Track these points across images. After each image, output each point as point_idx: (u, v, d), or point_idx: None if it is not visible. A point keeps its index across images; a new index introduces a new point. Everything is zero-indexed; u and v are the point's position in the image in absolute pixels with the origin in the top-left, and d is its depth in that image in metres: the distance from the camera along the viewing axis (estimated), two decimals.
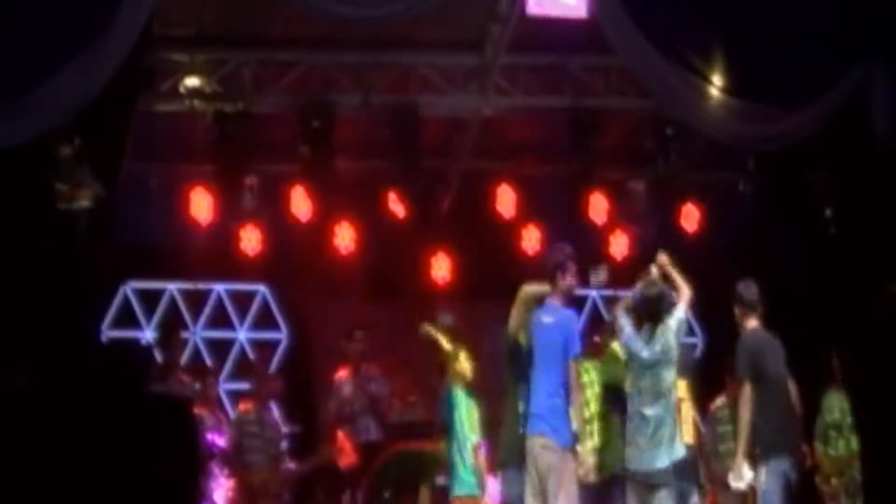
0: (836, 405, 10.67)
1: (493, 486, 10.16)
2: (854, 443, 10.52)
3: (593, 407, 9.74)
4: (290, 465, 10.92)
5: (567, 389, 8.45)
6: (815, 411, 10.66)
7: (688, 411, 9.16)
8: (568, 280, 8.67)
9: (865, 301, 9.85)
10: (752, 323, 8.81)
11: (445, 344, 9.70)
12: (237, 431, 10.53)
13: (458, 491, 9.61)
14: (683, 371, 9.23)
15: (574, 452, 8.48)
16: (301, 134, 11.38)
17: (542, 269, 8.83)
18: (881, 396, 9.72)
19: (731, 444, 10.01)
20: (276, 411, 11.98)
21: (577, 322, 8.79)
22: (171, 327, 11.84)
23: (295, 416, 12.67)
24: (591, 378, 9.87)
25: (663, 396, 8.65)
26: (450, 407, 9.65)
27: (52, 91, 8.31)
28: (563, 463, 8.32)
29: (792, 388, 8.96)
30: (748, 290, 8.89)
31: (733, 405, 10.37)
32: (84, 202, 9.31)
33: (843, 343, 10.31)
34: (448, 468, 9.77)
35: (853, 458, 10.54)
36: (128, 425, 6.99)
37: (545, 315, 8.60)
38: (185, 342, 12.57)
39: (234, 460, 10.43)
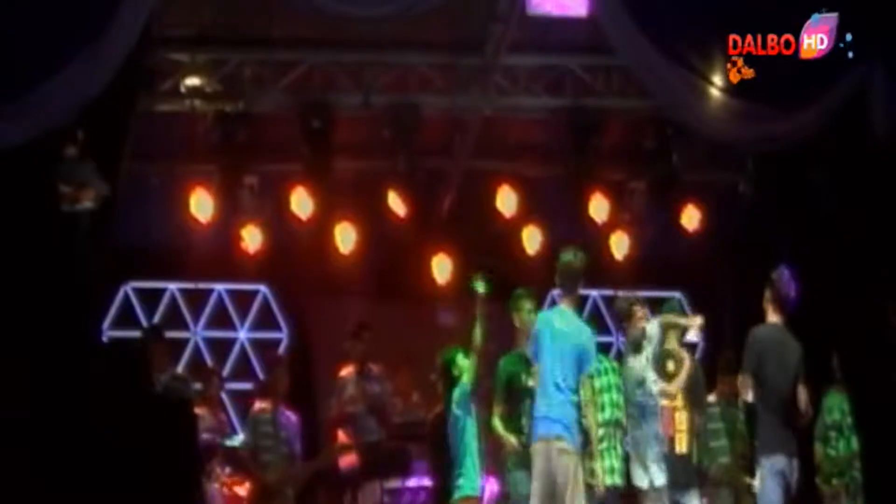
0: (836, 405, 10.65)
1: (493, 486, 10.17)
2: (854, 443, 10.51)
3: (608, 413, 9.74)
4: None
5: (579, 398, 8.42)
6: (816, 412, 10.65)
7: (682, 421, 9.16)
8: (581, 289, 8.67)
9: (865, 301, 9.85)
10: (775, 317, 8.61)
11: None
12: (252, 432, 10.52)
13: (462, 493, 9.55)
14: (682, 382, 9.24)
15: (581, 457, 8.43)
16: (301, 134, 11.39)
17: (555, 272, 8.75)
18: (881, 396, 9.72)
19: (723, 441, 10.05)
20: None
21: (595, 339, 8.69)
22: (147, 332, 11.80)
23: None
24: (610, 381, 9.85)
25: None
26: (465, 409, 9.58)
27: (52, 91, 8.31)
28: (577, 467, 8.30)
29: (801, 390, 8.81)
30: (781, 278, 8.58)
31: (724, 402, 10.41)
32: (88, 203, 9.30)
33: (843, 343, 10.31)
34: (452, 469, 9.70)
35: (854, 458, 10.53)
36: (127, 425, 7.01)
37: (559, 320, 8.49)
38: (180, 343, 12.54)
39: (250, 460, 10.42)
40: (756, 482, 8.60)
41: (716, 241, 12.75)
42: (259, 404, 10.71)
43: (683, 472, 9.15)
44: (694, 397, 9.18)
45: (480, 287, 8.95)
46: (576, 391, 8.36)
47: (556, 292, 8.93)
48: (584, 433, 8.67)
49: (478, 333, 8.92)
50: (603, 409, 9.67)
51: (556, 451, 8.20)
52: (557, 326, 8.42)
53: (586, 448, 8.64)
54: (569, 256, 8.60)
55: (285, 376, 10.85)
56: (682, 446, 9.11)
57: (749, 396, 8.42)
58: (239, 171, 11.64)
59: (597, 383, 9.61)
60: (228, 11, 10.79)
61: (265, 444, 10.43)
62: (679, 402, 9.11)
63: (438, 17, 10.18)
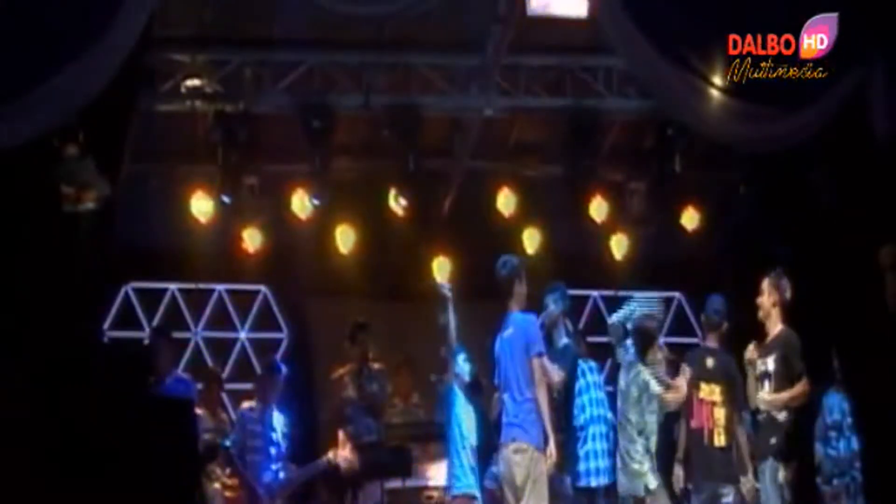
0: (836, 405, 10.67)
1: None
2: (854, 443, 10.53)
3: (588, 412, 9.76)
4: (292, 468, 10.86)
5: (534, 391, 8.44)
6: (816, 412, 10.66)
7: (720, 416, 9.15)
8: (524, 287, 8.74)
9: (865, 301, 9.85)
10: (781, 320, 8.72)
11: None
12: (241, 430, 10.50)
13: (456, 490, 9.62)
14: (720, 376, 9.20)
15: (545, 454, 8.44)
16: (301, 134, 11.39)
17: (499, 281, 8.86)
18: (881, 396, 9.72)
19: None
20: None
21: (536, 324, 8.81)
22: (157, 333, 11.80)
23: (295, 416, 12.65)
24: (588, 381, 9.88)
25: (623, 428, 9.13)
26: (449, 406, 9.66)
27: (52, 92, 8.30)
28: (534, 463, 8.35)
29: None
30: (784, 281, 8.78)
31: None
32: (90, 204, 9.31)
33: (843, 343, 10.31)
34: (447, 467, 9.76)
35: (854, 458, 10.55)
36: (127, 425, 7.00)
37: (504, 330, 8.68)
38: (182, 343, 12.54)
39: (239, 460, 10.41)
40: (765, 480, 8.60)
41: (716, 241, 12.75)
42: (247, 403, 10.72)
43: (721, 465, 9.12)
44: (733, 394, 9.13)
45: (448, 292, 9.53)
46: (529, 386, 8.40)
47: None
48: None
49: (452, 333, 9.48)
50: (583, 409, 9.71)
51: (512, 452, 8.36)
52: (504, 337, 8.61)
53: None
54: (497, 265, 8.90)
55: (279, 386, 10.85)
56: (720, 440, 9.10)
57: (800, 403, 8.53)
58: (239, 171, 11.63)
59: (576, 385, 9.66)
60: (228, 11, 10.79)
61: (254, 444, 10.42)
62: (718, 397, 9.11)
63: (438, 17, 10.19)
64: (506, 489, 8.44)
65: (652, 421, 9.36)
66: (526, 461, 8.31)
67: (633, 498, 9.29)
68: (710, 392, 9.19)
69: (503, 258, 8.95)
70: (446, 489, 9.73)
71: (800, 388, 8.66)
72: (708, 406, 9.19)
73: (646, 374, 9.28)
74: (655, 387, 9.25)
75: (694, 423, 9.16)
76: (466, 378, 9.84)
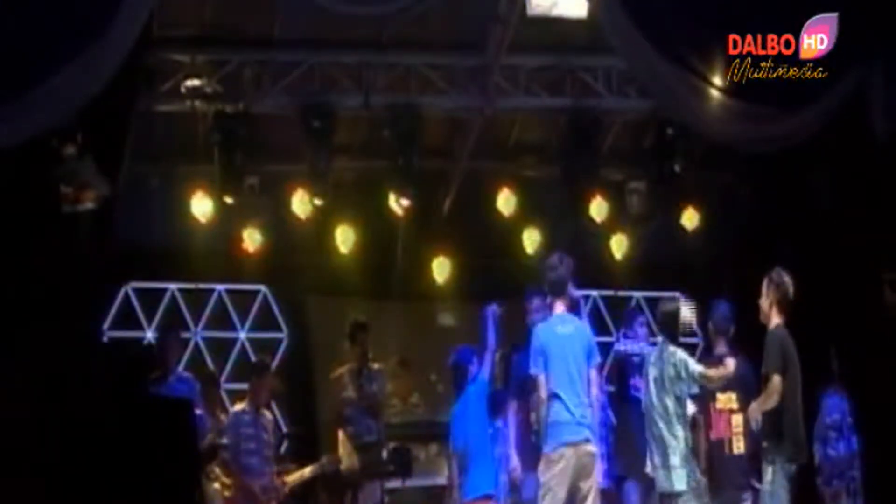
0: (836, 405, 10.67)
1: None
2: (854, 443, 10.53)
3: (599, 415, 9.74)
4: (291, 468, 10.83)
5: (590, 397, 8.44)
6: (815, 412, 10.66)
7: (738, 422, 9.10)
8: (574, 289, 8.69)
9: (865, 301, 9.86)
10: (779, 318, 8.66)
11: None
12: (234, 433, 10.48)
13: (480, 492, 9.47)
14: (736, 383, 9.15)
15: None
16: (301, 134, 11.39)
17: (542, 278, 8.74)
18: (881, 396, 9.73)
19: None
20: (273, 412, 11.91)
21: (593, 333, 8.74)
22: (167, 329, 11.80)
23: (295, 416, 12.66)
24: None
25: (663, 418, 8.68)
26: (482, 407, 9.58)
27: (51, 91, 8.31)
28: (597, 469, 8.35)
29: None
30: (783, 279, 8.63)
31: None
32: (89, 204, 9.32)
33: (843, 343, 10.32)
34: (464, 468, 9.66)
35: (854, 458, 10.54)
36: (127, 425, 7.00)
37: (560, 325, 8.52)
38: (183, 343, 12.53)
39: (233, 462, 10.38)
40: (767, 481, 8.56)
41: (716, 241, 12.76)
42: (240, 405, 10.70)
43: (741, 473, 9.08)
44: (750, 399, 9.06)
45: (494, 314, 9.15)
46: (588, 392, 8.38)
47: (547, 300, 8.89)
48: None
49: (492, 337, 9.13)
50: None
51: (589, 456, 8.26)
52: (560, 333, 8.47)
53: None
54: (554, 262, 8.63)
55: (269, 387, 10.80)
56: (739, 447, 9.06)
57: (774, 402, 8.42)
58: (239, 171, 11.64)
59: None
60: (229, 11, 10.80)
61: (248, 446, 10.39)
62: (735, 404, 9.06)
63: (438, 17, 10.21)
64: (565, 489, 8.14)
65: (687, 409, 8.84)
66: (597, 468, 8.28)
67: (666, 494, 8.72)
68: (728, 400, 9.14)
69: (559, 255, 8.63)
70: (466, 492, 9.52)
71: (766, 392, 8.44)
72: (726, 415, 9.14)
73: (681, 353, 8.95)
74: (695, 365, 8.89)
75: (714, 435, 9.09)
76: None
